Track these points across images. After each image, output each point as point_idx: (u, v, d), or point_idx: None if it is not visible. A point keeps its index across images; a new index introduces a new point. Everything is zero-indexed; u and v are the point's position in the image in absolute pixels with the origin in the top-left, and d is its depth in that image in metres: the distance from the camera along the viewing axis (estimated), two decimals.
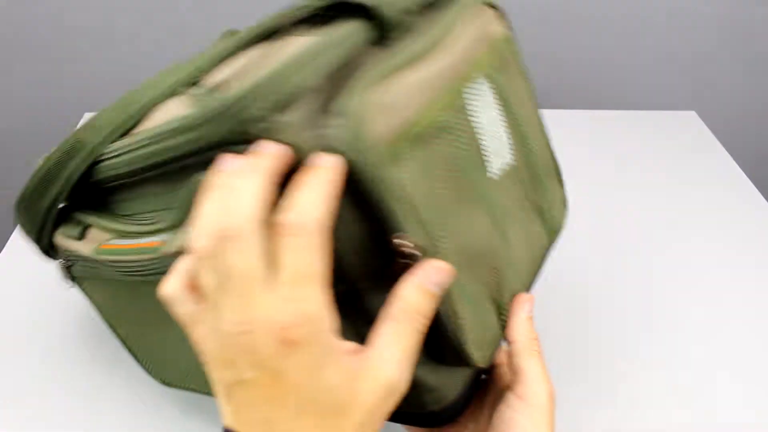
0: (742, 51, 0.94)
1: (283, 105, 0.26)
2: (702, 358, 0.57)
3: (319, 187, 0.24)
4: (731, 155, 0.82)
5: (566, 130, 0.85)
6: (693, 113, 0.89)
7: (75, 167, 0.34)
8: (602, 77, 0.96)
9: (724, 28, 0.91)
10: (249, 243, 0.23)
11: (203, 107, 0.27)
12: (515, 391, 0.34)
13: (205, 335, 0.25)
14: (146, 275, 0.35)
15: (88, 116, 0.89)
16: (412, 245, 0.28)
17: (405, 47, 0.31)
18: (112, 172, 0.33)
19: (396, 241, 0.28)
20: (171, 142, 0.29)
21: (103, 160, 0.33)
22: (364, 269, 0.29)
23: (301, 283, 0.23)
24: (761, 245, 0.68)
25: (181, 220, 0.32)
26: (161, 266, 0.34)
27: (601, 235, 0.68)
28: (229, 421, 0.25)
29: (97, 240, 0.37)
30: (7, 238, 0.69)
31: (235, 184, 0.24)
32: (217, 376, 0.25)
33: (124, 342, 0.45)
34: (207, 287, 0.24)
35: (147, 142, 0.30)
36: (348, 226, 0.28)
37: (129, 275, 0.37)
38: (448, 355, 0.33)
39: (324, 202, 0.24)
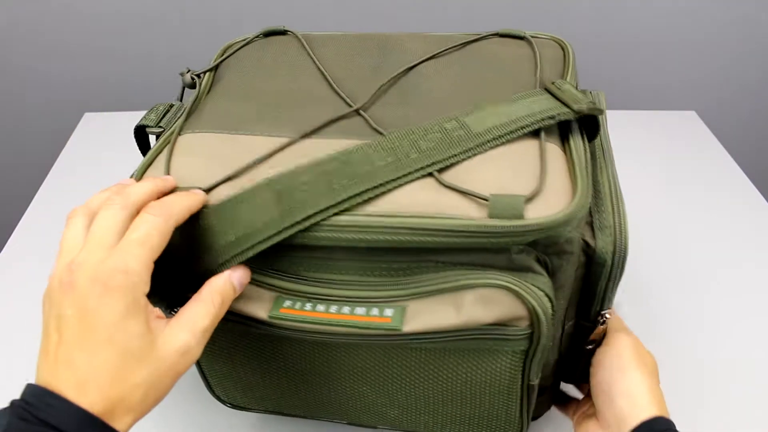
0: (742, 51, 0.94)
1: (578, 224, 0.35)
2: (700, 357, 0.57)
3: (185, 199, 0.33)
4: (731, 155, 0.82)
5: None
6: (693, 113, 0.89)
7: (278, 229, 0.33)
8: (602, 77, 0.96)
9: (724, 28, 0.91)
10: (115, 213, 0.31)
11: (506, 219, 0.32)
12: (604, 341, 0.41)
13: (50, 283, 0.30)
14: (355, 342, 0.36)
15: (88, 116, 0.89)
16: (608, 311, 0.39)
17: (600, 157, 0.41)
18: (324, 243, 0.33)
19: (608, 312, 0.39)
20: (454, 239, 0.32)
21: (316, 228, 0.33)
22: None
23: (133, 246, 0.29)
24: (761, 245, 0.68)
25: (403, 297, 0.35)
26: (383, 340, 0.35)
27: None
28: (40, 377, 0.28)
29: (261, 298, 0.35)
30: (8, 238, 0.69)
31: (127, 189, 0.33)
32: (45, 317, 0.29)
33: (204, 372, 0.44)
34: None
35: (425, 232, 0.32)
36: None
37: (326, 338, 0.36)
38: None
39: (184, 209, 0.32)
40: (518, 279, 0.33)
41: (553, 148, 0.36)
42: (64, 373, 0.28)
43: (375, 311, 0.34)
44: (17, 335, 0.57)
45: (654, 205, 0.73)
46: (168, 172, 0.36)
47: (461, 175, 0.34)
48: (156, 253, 0.30)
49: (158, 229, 0.31)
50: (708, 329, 0.59)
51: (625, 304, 0.61)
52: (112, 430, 0.27)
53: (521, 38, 0.47)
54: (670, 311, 0.61)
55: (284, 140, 0.37)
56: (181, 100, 0.45)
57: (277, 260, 0.35)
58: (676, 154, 0.81)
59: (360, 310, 0.34)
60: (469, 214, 0.33)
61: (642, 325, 0.59)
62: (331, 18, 0.89)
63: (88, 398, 0.27)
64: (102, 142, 0.82)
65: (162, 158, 0.38)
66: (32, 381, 0.28)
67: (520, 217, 0.32)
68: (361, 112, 0.40)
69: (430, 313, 0.34)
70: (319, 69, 0.44)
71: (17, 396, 0.27)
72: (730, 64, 0.95)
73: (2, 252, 0.66)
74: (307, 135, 0.38)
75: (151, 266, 0.30)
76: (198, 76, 0.45)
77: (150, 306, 0.30)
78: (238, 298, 0.35)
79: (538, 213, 0.32)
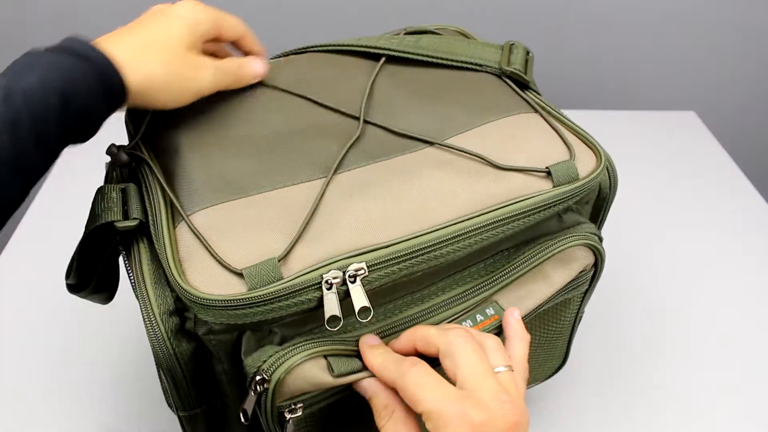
0: (742, 51, 0.94)
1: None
2: (701, 357, 0.57)
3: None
4: (731, 155, 0.82)
5: None
6: (693, 113, 0.90)
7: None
8: (602, 77, 0.96)
9: (725, 28, 0.91)
10: None
11: (568, 184, 0.36)
12: None
13: None
14: None
15: None
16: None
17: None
18: (442, 259, 0.34)
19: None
20: (536, 215, 0.35)
21: (436, 248, 0.33)
22: None
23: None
24: (761, 245, 0.68)
25: (494, 293, 0.37)
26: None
27: None
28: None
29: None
30: (8, 239, 0.69)
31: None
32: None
33: None
34: None
35: (518, 216, 0.35)
36: None
37: None
38: None
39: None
40: (582, 233, 0.38)
41: (537, 115, 0.41)
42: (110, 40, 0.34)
43: (480, 317, 0.36)
44: (17, 336, 0.57)
45: (654, 205, 0.73)
46: (222, 263, 0.31)
47: (504, 156, 0.37)
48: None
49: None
50: (707, 328, 0.59)
51: (625, 303, 0.61)
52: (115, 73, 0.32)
53: (431, 33, 0.48)
54: (670, 311, 0.61)
55: (315, 183, 0.34)
56: (109, 182, 0.38)
57: (371, 324, 0.35)
58: (675, 155, 0.81)
59: (468, 324, 0.36)
60: (540, 188, 0.36)
61: (641, 325, 0.59)
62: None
63: (117, 48, 0.33)
64: (102, 142, 0.82)
65: (195, 249, 0.32)
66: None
67: (578, 178, 0.36)
68: (370, 120, 0.38)
69: (528, 295, 0.37)
70: (290, 92, 0.41)
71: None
72: (730, 64, 0.95)
73: (2, 253, 0.66)
74: (336, 171, 0.35)
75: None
76: (132, 149, 0.38)
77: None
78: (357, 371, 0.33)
79: (585, 171, 0.37)
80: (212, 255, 0.31)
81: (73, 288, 0.38)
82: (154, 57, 0.34)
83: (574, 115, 0.86)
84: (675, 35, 0.92)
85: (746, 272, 0.65)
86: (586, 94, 0.98)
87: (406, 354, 0.33)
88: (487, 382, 0.30)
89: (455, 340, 0.31)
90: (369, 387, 0.32)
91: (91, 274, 0.38)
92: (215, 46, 0.41)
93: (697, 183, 0.77)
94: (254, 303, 0.30)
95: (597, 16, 0.89)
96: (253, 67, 0.40)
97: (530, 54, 0.45)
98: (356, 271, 0.31)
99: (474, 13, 0.89)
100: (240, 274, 0.30)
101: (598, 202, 0.41)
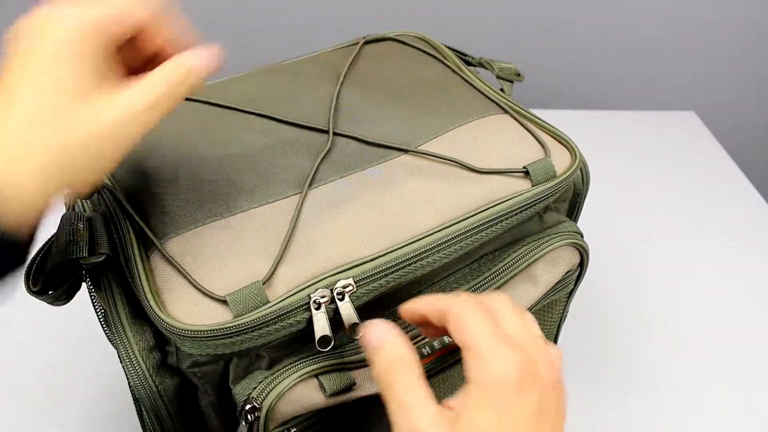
0: (742, 51, 0.94)
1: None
2: (701, 357, 0.57)
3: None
4: (730, 155, 0.82)
5: (566, 131, 0.84)
6: (692, 113, 0.89)
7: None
8: (601, 77, 0.96)
9: (724, 28, 0.91)
10: None
11: (547, 182, 0.36)
12: None
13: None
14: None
15: None
16: None
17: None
18: (428, 266, 0.33)
19: None
20: (517, 216, 0.35)
21: (422, 256, 0.33)
22: None
23: None
24: (760, 245, 0.68)
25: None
26: None
27: (600, 235, 0.68)
28: None
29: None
30: None
31: None
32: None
33: None
34: None
35: (500, 218, 0.35)
36: None
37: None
38: None
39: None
40: (565, 232, 0.38)
41: (508, 116, 0.41)
42: None
43: None
44: (16, 336, 0.57)
45: (653, 205, 0.73)
46: (203, 290, 0.30)
47: (480, 159, 0.37)
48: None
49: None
50: (707, 329, 0.59)
51: (624, 303, 0.61)
52: None
53: (391, 40, 0.48)
54: (670, 312, 0.61)
55: (290, 200, 0.33)
56: (72, 209, 0.35)
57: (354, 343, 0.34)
58: (675, 155, 0.81)
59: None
60: (519, 188, 0.36)
61: (640, 326, 0.59)
62: None
63: None
64: None
65: (172, 278, 0.30)
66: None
67: (555, 175, 0.36)
68: (339, 131, 0.37)
69: (516, 299, 0.37)
70: (251, 113, 0.39)
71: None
72: (729, 64, 0.95)
73: None
74: (310, 186, 0.34)
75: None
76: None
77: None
78: (356, 387, 0.32)
79: (561, 167, 0.37)
80: (192, 283, 0.30)
81: (35, 292, 0.34)
82: (35, 156, 0.23)
83: (573, 115, 0.86)
84: (674, 35, 0.92)
85: (746, 272, 0.65)
86: (585, 94, 0.98)
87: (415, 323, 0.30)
88: (535, 345, 0.26)
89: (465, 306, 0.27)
90: (380, 333, 0.27)
91: (59, 284, 0.34)
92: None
93: (696, 183, 0.77)
94: (241, 330, 0.28)
95: (596, 16, 0.89)
96: (195, 65, 0.27)
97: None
98: (344, 287, 0.30)
99: (473, 13, 0.89)
100: (224, 301, 0.29)
101: (572, 198, 0.41)
